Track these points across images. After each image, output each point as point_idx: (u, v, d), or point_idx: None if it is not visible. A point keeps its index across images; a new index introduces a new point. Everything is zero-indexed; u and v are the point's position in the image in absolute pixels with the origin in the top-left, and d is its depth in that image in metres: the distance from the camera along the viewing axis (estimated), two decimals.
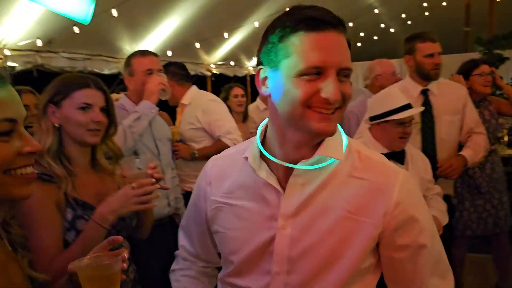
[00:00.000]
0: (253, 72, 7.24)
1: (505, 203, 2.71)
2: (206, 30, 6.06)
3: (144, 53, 2.28)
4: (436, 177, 2.23)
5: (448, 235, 2.69)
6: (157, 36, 5.64)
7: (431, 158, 2.23)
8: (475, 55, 7.60)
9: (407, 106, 1.87)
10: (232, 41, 7.06)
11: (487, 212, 2.64)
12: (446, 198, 2.48)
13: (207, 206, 1.15)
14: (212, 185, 1.14)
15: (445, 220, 1.94)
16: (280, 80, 0.91)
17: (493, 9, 7.80)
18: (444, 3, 9.64)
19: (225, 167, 1.14)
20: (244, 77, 8.48)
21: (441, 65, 2.37)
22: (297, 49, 0.88)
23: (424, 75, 2.37)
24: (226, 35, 6.48)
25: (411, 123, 1.90)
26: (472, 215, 2.65)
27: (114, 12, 4.27)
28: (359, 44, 11.56)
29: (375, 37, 10.72)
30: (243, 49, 7.62)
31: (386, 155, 1.81)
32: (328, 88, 0.87)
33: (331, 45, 0.88)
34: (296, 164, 0.98)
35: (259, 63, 0.99)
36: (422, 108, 2.03)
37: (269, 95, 0.97)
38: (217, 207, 1.12)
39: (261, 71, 0.97)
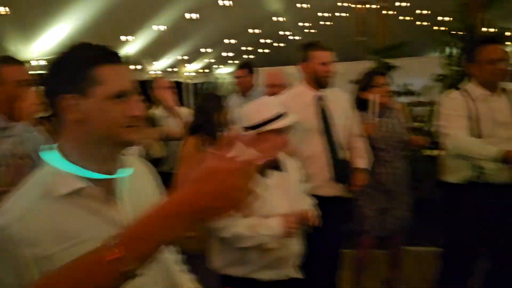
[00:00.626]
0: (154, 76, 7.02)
1: (406, 203, 2.87)
2: (104, 33, 5.76)
3: (14, 61, 1.98)
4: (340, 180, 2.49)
5: (348, 235, 2.82)
6: (50, 38, 5.23)
7: (335, 158, 2.44)
8: (368, 63, 8.19)
9: (281, 115, 1.86)
10: (133, 45, 6.81)
11: (389, 211, 2.79)
12: (346, 200, 2.60)
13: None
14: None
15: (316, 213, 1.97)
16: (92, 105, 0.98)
17: (383, 21, 8.44)
18: (342, 14, 10.23)
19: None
20: (145, 81, 8.22)
21: (333, 73, 2.49)
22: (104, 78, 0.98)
23: (318, 82, 2.48)
24: (125, 38, 6.24)
25: (286, 132, 1.88)
26: (374, 214, 2.79)
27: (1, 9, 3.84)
28: (266, 50, 11.90)
29: (282, 44, 11.12)
30: (144, 53, 7.40)
31: (265, 165, 1.82)
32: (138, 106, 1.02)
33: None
34: (112, 174, 1.04)
35: (54, 92, 1.00)
36: (296, 118, 1.98)
37: (77, 120, 0.98)
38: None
39: (65, 99, 0.98)
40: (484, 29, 3.80)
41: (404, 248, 3.78)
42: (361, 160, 2.59)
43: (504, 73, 2.18)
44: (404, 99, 6.30)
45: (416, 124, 4.65)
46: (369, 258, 2.92)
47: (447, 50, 3.64)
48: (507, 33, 4.17)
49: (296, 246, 1.98)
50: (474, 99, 2.23)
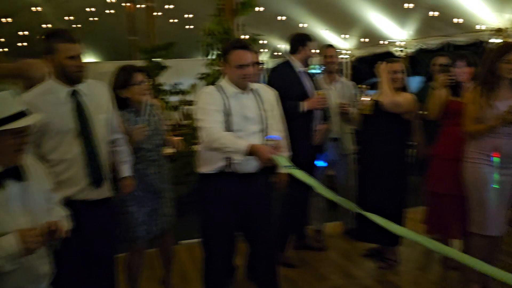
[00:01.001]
0: None
1: (171, 200, 2.87)
2: None
3: None
4: None
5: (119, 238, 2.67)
6: None
7: (93, 161, 2.18)
8: (140, 63, 8.15)
9: (22, 114, 1.62)
10: None
11: (158, 211, 2.74)
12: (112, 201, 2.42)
13: None
14: None
15: (68, 224, 1.80)
16: None
17: (152, 21, 8.52)
18: (112, 11, 9.85)
19: None
20: None
21: (84, 67, 2.21)
22: None
23: (68, 77, 2.18)
24: None
25: (27, 132, 1.65)
26: (146, 218, 2.69)
27: None
28: (25, 44, 10.50)
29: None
30: None
31: (1, 174, 1.57)
32: None
33: None
34: None
35: None
36: (39, 116, 1.76)
37: None
38: None
39: None
40: (243, 34, 4.20)
41: (178, 243, 3.93)
42: (125, 167, 2.49)
43: (248, 77, 2.37)
44: (175, 98, 6.47)
45: (186, 122, 4.86)
46: (143, 260, 2.83)
47: (210, 51, 3.87)
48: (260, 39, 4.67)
49: (44, 266, 1.74)
50: (228, 95, 2.39)
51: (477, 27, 6.11)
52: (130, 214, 2.65)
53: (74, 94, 2.20)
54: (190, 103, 7.60)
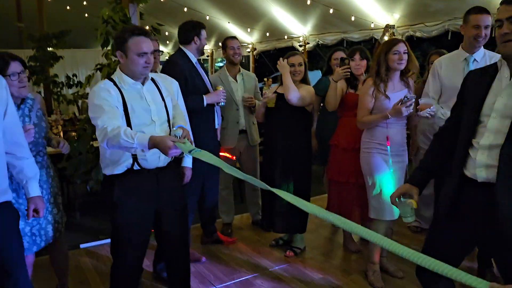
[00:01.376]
0: None
1: (61, 203, 2.63)
2: None
3: None
4: None
5: None
6: None
7: None
8: (30, 52, 7.46)
9: None
10: None
11: (46, 220, 2.48)
12: None
13: None
14: None
15: None
16: None
17: (42, 7, 7.81)
18: None
19: None
20: None
21: None
22: None
23: None
24: None
25: None
26: (27, 227, 2.42)
27: None
28: None
29: None
30: None
31: None
32: None
33: None
34: None
35: None
36: None
37: None
38: None
39: None
40: (143, 24, 3.99)
41: (78, 246, 3.67)
42: (31, 185, 2.11)
43: (148, 66, 2.19)
44: (70, 91, 6.04)
45: (84, 116, 4.52)
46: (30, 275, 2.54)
47: (108, 40, 3.61)
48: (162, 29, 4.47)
49: None
50: (124, 88, 2.21)
51: (372, 25, 6.54)
52: None
53: None
54: (87, 96, 7.16)
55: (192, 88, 3.14)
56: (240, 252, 3.57)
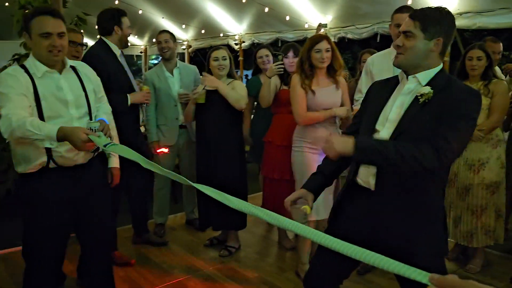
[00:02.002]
0: None
1: None
2: None
3: None
4: None
5: None
6: None
7: None
8: None
9: None
10: None
11: None
12: None
13: None
14: None
15: None
16: None
17: None
18: None
19: None
20: None
21: None
22: None
23: None
24: None
25: None
26: None
27: None
28: None
29: None
30: None
31: None
32: None
33: None
34: None
35: None
36: None
37: None
38: None
39: None
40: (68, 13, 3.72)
41: None
42: None
43: (56, 49, 1.96)
44: None
45: None
46: None
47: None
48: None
49: None
50: (36, 76, 1.99)
51: (306, 25, 6.64)
52: None
53: None
54: None
55: (116, 85, 2.93)
56: (173, 254, 3.45)
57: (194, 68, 3.90)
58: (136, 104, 3.16)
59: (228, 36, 8.30)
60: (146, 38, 10.09)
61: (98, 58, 2.90)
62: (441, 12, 1.67)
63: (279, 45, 7.11)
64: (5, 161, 3.32)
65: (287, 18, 6.64)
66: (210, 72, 3.29)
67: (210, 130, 3.29)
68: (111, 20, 3.05)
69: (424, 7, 1.71)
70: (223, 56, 3.22)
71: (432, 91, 1.62)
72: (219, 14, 7.71)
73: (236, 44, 8.11)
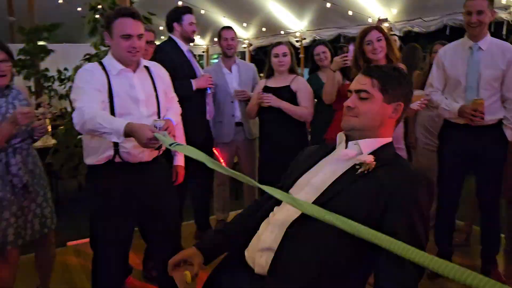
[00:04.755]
0: None
1: (50, 199, 2.51)
2: None
3: None
4: None
5: None
6: None
7: None
8: (21, 46, 7.28)
9: None
10: None
11: (30, 210, 2.35)
12: None
13: None
14: None
15: None
16: None
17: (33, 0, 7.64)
18: None
19: None
20: None
21: None
22: None
23: None
24: None
25: None
26: (15, 220, 2.28)
27: None
28: None
29: None
30: None
31: None
32: None
33: None
34: None
35: None
36: None
37: None
38: None
39: None
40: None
41: (64, 245, 3.52)
42: None
43: (135, 51, 2.03)
44: (62, 86, 5.91)
45: None
46: (14, 272, 2.39)
47: (96, 29, 3.47)
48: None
49: None
50: (111, 74, 2.05)
51: (369, 20, 6.43)
52: None
53: None
54: None
55: (181, 75, 3.01)
56: None
57: (252, 66, 3.88)
58: (203, 96, 3.18)
59: (289, 33, 8.24)
60: (208, 38, 10.29)
61: (164, 51, 3.03)
62: (401, 73, 1.45)
63: (341, 41, 6.94)
64: (77, 157, 3.48)
65: (350, 13, 6.46)
66: (271, 68, 3.24)
67: (275, 130, 3.22)
68: (171, 18, 3.18)
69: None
70: (284, 53, 3.16)
71: (374, 162, 1.31)
72: (280, 12, 7.68)
73: (297, 41, 8.03)
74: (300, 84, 3.19)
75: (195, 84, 3.10)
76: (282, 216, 1.35)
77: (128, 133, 1.78)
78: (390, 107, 1.39)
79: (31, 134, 2.37)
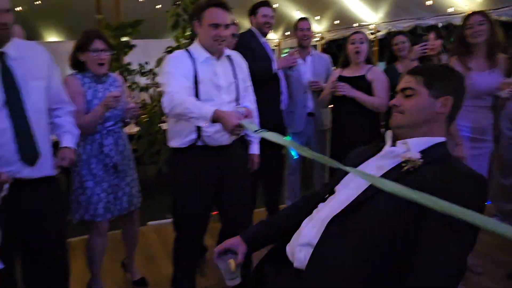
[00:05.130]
0: None
1: (136, 179, 2.72)
2: None
3: None
4: None
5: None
6: None
7: (24, 134, 1.82)
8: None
9: None
10: None
11: (120, 188, 2.58)
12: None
13: None
14: None
15: None
16: None
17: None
18: None
19: None
20: None
21: (8, 24, 1.77)
22: None
23: None
24: None
25: None
26: (105, 195, 2.52)
27: None
28: None
29: None
30: None
31: None
32: None
33: None
34: None
35: None
36: None
37: None
38: None
39: None
40: None
41: (145, 224, 3.79)
42: (66, 137, 2.13)
43: (222, 40, 2.14)
44: (143, 79, 6.28)
45: (155, 104, 4.66)
46: (105, 243, 2.64)
47: (179, 22, 3.65)
48: None
49: None
50: (198, 61, 2.19)
51: (451, 10, 6.12)
52: (88, 190, 2.45)
53: (0, 57, 1.83)
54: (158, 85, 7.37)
55: (259, 60, 3.11)
56: None
57: (327, 57, 3.88)
58: (278, 85, 3.24)
59: (362, 26, 8.07)
60: (280, 32, 10.36)
61: (243, 38, 3.16)
62: (448, 68, 1.43)
63: (418, 32, 6.68)
64: (158, 143, 3.71)
65: (428, 2, 6.19)
66: (346, 58, 3.23)
67: (347, 121, 3.20)
68: (250, 11, 3.33)
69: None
70: (361, 39, 3.13)
71: (421, 160, 1.26)
72: (354, 4, 7.55)
73: (371, 33, 7.84)
74: (376, 74, 3.15)
75: (277, 63, 3.16)
76: (325, 213, 1.34)
77: (215, 119, 1.89)
78: (437, 101, 1.34)
79: (123, 118, 2.58)
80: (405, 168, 1.26)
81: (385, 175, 1.28)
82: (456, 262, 1.08)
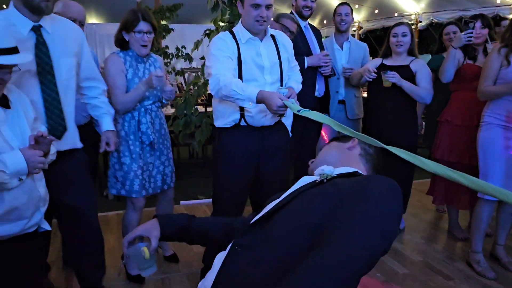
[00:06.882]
0: None
1: (171, 159, 2.77)
2: None
3: None
4: None
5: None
6: None
7: (53, 107, 1.90)
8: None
9: (13, 50, 1.56)
10: None
11: (151, 167, 2.63)
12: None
13: None
14: None
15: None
16: None
17: None
18: None
19: None
20: None
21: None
22: None
23: (32, 8, 1.81)
24: None
25: (11, 69, 1.61)
26: (141, 173, 2.58)
27: None
28: None
29: None
30: None
31: None
32: None
33: None
34: None
35: None
36: (30, 57, 1.67)
37: None
38: None
39: None
40: None
41: (178, 203, 3.86)
42: (106, 119, 2.27)
43: (263, 20, 2.15)
44: (179, 63, 6.37)
45: (191, 88, 4.71)
46: (140, 218, 2.70)
47: (219, 4, 3.65)
48: None
49: (42, 188, 1.73)
50: (241, 42, 2.21)
51: (498, 1, 5.88)
52: (125, 166, 2.51)
53: (36, 30, 1.88)
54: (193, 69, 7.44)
55: (295, 49, 3.06)
56: None
57: (365, 45, 3.79)
58: (315, 72, 3.20)
59: (403, 15, 7.88)
60: (317, 20, 10.23)
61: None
62: None
63: (464, 19, 6.45)
64: (193, 124, 3.75)
65: None
66: (388, 48, 3.15)
67: (385, 110, 3.12)
68: None
69: None
70: (403, 32, 3.04)
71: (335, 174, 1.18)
72: None
73: (411, 24, 7.64)
74: (420, 65, 3.07)
75: (308, 61, 3.14)
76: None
77: (260, 100, 1.94)
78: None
79: (160, 98, 2.63)
80: (320, 179, 1.16)
81: (302, 187, 1.18)
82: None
